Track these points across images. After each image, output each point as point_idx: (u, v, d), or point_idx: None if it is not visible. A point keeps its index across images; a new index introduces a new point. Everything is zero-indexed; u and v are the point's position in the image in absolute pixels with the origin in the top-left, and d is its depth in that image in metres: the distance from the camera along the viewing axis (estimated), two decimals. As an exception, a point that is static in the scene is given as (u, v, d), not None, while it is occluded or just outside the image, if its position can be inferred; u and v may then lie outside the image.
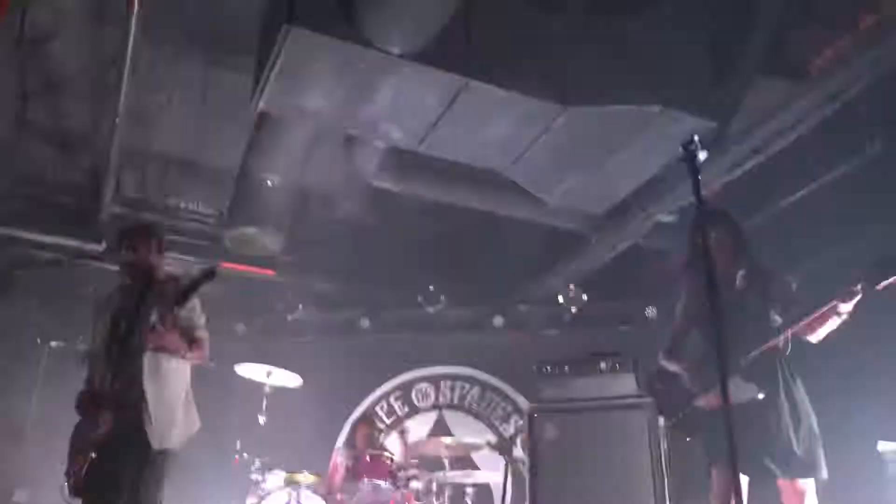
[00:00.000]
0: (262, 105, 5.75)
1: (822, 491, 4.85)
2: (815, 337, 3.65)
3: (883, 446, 4.83)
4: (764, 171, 5.98)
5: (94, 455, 3.73)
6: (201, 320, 4.10)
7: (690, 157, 3.05)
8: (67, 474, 3.83)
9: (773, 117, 5.41)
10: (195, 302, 4.09)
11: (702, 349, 3.96)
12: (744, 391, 3.51)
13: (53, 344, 6.16)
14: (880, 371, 5.13)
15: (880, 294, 3.30)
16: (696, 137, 3.05)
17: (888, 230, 5.16)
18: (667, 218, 6.84)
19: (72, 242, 5.47)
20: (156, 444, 3.76)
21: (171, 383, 3.92)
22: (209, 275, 3.78)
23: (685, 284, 4.12)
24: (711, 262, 2.89)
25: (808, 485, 3.60)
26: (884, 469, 4.78)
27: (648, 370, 4.24)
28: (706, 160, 3.05)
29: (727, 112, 5.49)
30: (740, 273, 3.85)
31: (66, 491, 3.79)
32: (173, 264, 4.35)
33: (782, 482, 3.62)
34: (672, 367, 3.98)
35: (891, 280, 3.23)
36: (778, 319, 3.67)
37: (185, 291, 3.76)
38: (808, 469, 3.61)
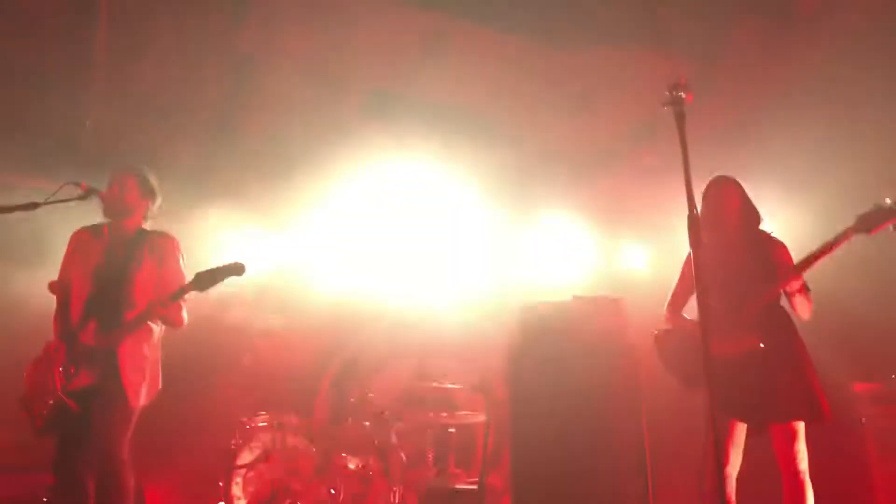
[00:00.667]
0: (243, 46, 5.66)
1: (804, 432, 5.01)
2: (805, 312, 3.78)
3: (858, 387, 4.95)
4: (751, 112, 5.97)
5: (63, 401, 3.73)
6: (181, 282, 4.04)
7: (676, 101, 3.03)
8: (31, 412, 3.82)
9: (760, 58, 5.38)
10: (182, 263, 4.09)
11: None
12: (747, 341, 3.68)
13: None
14: (853, 317, 5.21)
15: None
16: (682, 80, 3.03)
17: (875, 171, 5.17)
18: (652, 162, 6.85)
19: (48, 184, 5.40)
20: (132, 401, 3.79)
21: (144, 341, 3.93)
22: (238, 270, 3.86)
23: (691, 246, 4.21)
24: (720, 224, 2.97)
25: (798, 427, 3.72)
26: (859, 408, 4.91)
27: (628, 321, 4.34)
28: (692, 103, 3.04)
29: (715, 53, 5.45)
30: (746, 236, 4.00)
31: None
32: (158, 211, 4.26)
33: (774, 425, 3.73)
34: (674, 324, 4.18)
35: (882, 227, 3.44)
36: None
37: (210, 279, 3.77)
38: (799, 412, 3.72)
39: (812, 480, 4.53)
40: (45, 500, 4.71)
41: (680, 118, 3.02)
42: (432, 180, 7.32)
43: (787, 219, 5.13)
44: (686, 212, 2.93)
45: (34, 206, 3.80)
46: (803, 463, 3.70)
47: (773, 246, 3.96)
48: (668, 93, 3.04)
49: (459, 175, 7.21)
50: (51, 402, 3.77)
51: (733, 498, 3.77)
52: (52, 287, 4.13)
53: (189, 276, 3.98)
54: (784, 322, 3.86)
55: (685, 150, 2.98)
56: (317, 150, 6.98)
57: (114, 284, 3.90)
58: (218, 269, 3.79)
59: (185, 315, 4.02)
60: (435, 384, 6.48)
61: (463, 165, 7.16)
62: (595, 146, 7.08)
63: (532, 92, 6.19)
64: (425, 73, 5.99)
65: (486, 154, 7.23)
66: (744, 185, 4.09)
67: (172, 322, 3.94)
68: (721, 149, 5.92)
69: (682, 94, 3.02)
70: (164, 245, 4.05)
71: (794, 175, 5.79)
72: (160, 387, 4.06)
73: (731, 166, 4.23)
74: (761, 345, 3.69)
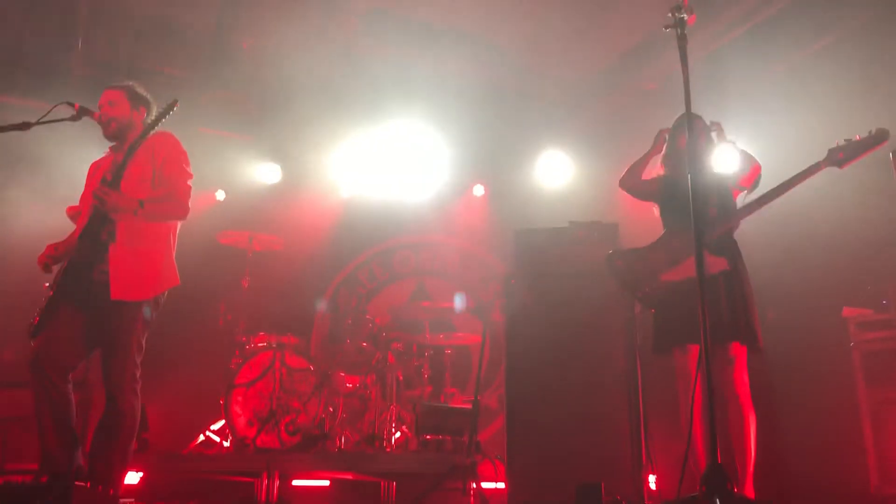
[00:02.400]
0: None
1: (791, 356, 5.10)
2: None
3: (847, 312, 5.00)
4: (752, 37, 5.86)
5: (50, 295, 3.75)
6: (179, 172, 4.00)
7: (678, 23, 2.98)
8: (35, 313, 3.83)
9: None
10: (176, 154, 4.04)
11: (670, 229, 4.17)
12: (714, 264, 3.77)
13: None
14: (844, 242, 5.24)
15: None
16: (685, 2, 2.97)
17: (874, 98, 5.12)
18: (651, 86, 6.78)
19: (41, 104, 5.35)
20: (117, 294, 3.72)
21: (145, 237, 3.87)
22: (171, 106, 3.84)
23: (663, 173, 4.27)
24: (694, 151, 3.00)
25: (738, 352, 3.82)
26: (847, 333, 4.98)
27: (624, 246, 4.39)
28: (694, 27, 3.00)
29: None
30: (706, 169, 4.07)
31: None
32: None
33: (720, 348, 3.80)
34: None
35: (852, 162, 3.56)
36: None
37: (153, 123, 3.82)
38: (751, 335, 3.82)
39: (798, 405, 4.64)
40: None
41: (682, 40, 2.98)
42: (428, 102, 7.22)
43: (778, 141, 5.12)
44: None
45: (27, 125, 3.77)
46: (743, 387, 3.79)
47: (732, 178, 4.07)
48: (670, 15, 2.99)
49: (455, 97, 7.12)
50: (46, 298, 3.79)
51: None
52: (70, 211, 4.14)
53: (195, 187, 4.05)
54: (735, 249, 3.97)
55: (686, 73, 2.95)
56: (312, 70, 6.88)
57: (111, 187, 3.85)
58: (158, 113, 3.89)
59: (167, 204, 3.94)
60: (432, 306, 6.57)
61: (459, 88, 7.07)
62: (595, 69, 6.97)
63: (530, 13, 6.06)
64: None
65: (482, 77, 7.13)
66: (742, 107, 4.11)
67: (155, 209, 3.86)
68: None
69: (685, 16, 2.97)
70: (158, 140, 3.99)
71: (792, 100, 5.74)
72: (178, 283, 4.02)
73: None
74: (728, 267, 3.81)
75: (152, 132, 4.02)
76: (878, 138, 3.51)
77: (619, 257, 4.21)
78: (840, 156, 3.56)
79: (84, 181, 4.18)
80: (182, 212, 4.02)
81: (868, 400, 4.80)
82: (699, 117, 4.14)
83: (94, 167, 4.17)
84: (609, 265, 4.23)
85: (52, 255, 3.91)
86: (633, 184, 4.35)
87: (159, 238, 3.97)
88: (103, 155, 4.18)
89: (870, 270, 5.17)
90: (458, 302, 5.97)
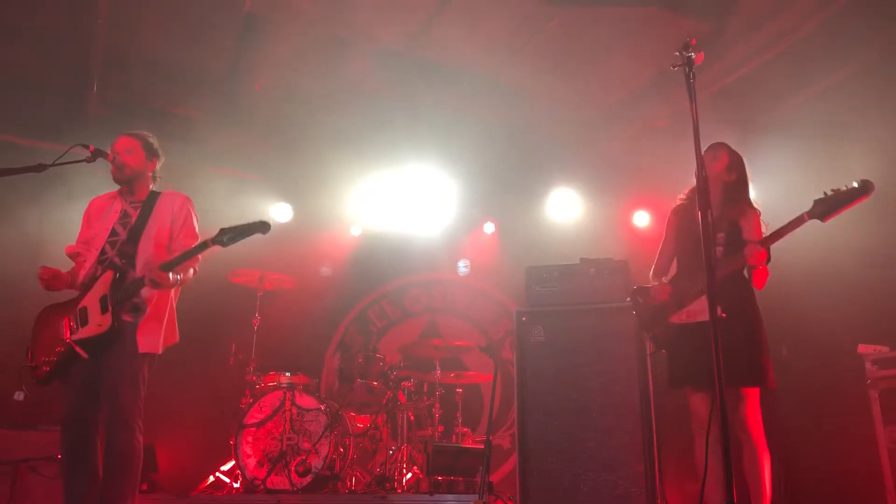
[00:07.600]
0: (249, 5, 5.61)
1: (806, 394, 5.04)
2: (759, 284, 3.81)
3: (863, 349, 4.95)
4: (760, 75, 5.90)
5: (71, 350, 3.75)
6: (193, 238, 4.07)
7: (686, 61, 3.00)
8: (36, 360, 3.84)
9: (771, 19, 5.30)
10: (192, 220, 4.12)
11: (680, 269, 4.14)
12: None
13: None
14: (858, 278, 5.21)
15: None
16: (692, 41, 3.00)
17: (884, 135, 5.12)
18: (660, 123, 6.81)
19: (55, 146, 5.41)
20: (142, 347, 3.78)
21: (160, 293, 3.91)
22: (263, 227, 3.75)
23: (699, 207, 4.23)
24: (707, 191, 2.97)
25: (747, 392, 3.77)
26: (863, 370, 4.92)
27: (634, 283, 4.35)
28: (702, 65, 3.02)
29: (724, 14, 5.37)
30: (723, 203, 4.02)
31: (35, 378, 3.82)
32: (161, 171, 4.27)
33: (730, 391, 3.72)
34: (653, 283, 4.20)
35: (836, 214, 3.46)
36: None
37: (233, 234, 3.73)
38: (756, 378, 3.76)
39: (816, 443, 4.55)
40: (58, 456, 4.74)
41: (690, 79, 3.00)
42: (438, 141, 7.27)
43: (796, 179, 5.11)
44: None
45: (42, 167, 3.81)
46: (755, 427, 3.75)
47: (747, 216, 3.98)
48: (678, 53, 3.01)
49: (465, 136, 7.17)
50: (59, 349, 3.80)
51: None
52: (70, 251, 4.17)
53: (201, 235, 4.05)
54: (744, 291, 3.90)
55: (695, 110, 2.96)
56: (324, 110, 6.95)
57: (128, 243, 3.92)
58: (243, 225, 3.73)
59: (190, 271, 4.01)
60: (443, 345, 6.53)
61: (469, 127, 7.12)
62: (604, 107, 7.02)
63: (540, 51, 6.12)
64: (432, 31, 5.93)
65: (492, 116, 7.19)
66: (752, 145, 4.06)
67: (184, 277, 3.92)
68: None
69: (693, 55, 2.99)
70: (176, 202, 4.10)
71: (806, 135, 5.75)
72: (177, 339, 4.07)
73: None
74: (723, 315, 3.74)
75: (169, 192, 4.15)
76: (861, 190, 3.42)
77: (640, 294, 4.19)
78: (823, 208, 3.48)
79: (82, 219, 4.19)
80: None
81: (886, 439, 4.72)
82: (719, 145, 4.08)
83: (97, 208, 4.19)
84: (632, 301, 4.21)
85: (47, 279, 3.91)
86: (659, 273, 4.28)
87: (174, 295, 4.06)
88: (106, 194, 4.21)
89: (884, 306, 5.12)
90: (462, 266, 5.82)
